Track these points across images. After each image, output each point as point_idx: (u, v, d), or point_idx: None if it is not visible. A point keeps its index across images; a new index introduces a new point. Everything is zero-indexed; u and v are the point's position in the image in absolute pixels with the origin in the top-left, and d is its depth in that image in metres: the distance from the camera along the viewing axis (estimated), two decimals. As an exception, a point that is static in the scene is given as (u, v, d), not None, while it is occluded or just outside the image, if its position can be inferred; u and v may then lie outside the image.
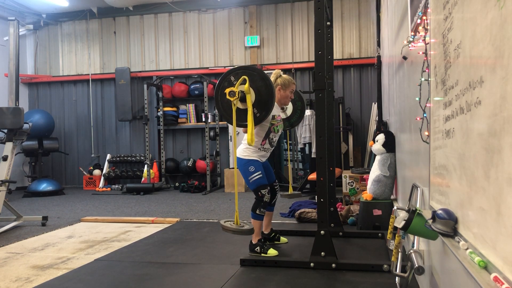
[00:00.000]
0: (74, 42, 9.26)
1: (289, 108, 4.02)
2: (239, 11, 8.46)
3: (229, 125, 8.29)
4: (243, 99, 2.96)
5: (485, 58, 1.04)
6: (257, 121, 3.09)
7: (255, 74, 3.02)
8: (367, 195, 4.35)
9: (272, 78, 3.59)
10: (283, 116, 3.74)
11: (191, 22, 8.70)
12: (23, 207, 6.32)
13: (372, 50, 7.79)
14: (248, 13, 8.41)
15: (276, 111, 3.44)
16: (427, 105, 1.85)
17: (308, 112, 6.88)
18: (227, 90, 2.90)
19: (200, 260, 3.42)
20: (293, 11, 8.24)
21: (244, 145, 3.48)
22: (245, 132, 3.36)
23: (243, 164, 3.42)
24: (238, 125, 3.11)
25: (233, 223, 2.95)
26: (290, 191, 4.26)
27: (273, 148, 3.60)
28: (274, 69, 8.31)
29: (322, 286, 2.74)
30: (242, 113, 3.01)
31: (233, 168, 7.91)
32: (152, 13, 8.80)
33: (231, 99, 2.89)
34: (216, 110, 8.21)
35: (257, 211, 3.41)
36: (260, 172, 3.40)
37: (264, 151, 3.51)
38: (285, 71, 8.23)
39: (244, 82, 2.96)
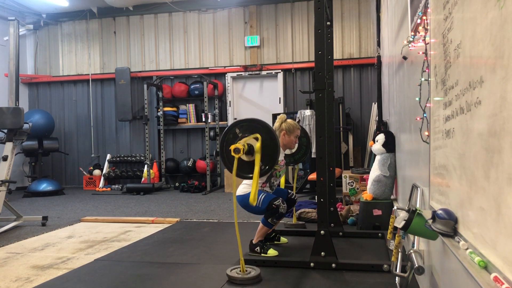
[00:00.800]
0: (74, 42, 9.26)
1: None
2: (239, 11, 8.46)
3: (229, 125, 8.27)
4: (248, 152, 2.93)
5: (485, 58, 1.04)
6: (262, 174, 3.07)
7: (260, 128, 2.98)
8: (367, 195, 4.35)
9: (276, 123, 3.64)
10: (287, 152, 3.74)
11: (191, 22, 8.70)
12: (23, 207, 6.32)
13: (372, 50, 7.79)
14: (248, 13, 8.41)
15: (280, 156, 3.42)
16: (427, 105, 1.85)
17: (308, 112, 6.88)
18: (232, 147, 2.84)
19: (200, 260, 3.42)
20: (293, 11, 8.24)
21: (243, 185, 3.49)
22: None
23: (244, 199, 3.36)
24: (242, 177, 3.08)
25: (240, 271, 2.91)
26: (294, 220, 4.34)
27: (273, 191, 3.61)
28: (274, 69, 8.36)
29: (322, 286, 2.74)
30: (246, 165, 2.98)
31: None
32: (152, 13, 8.80)
33: (236, 156, 2.83)
34: (216, 111, 8.24)
35: (269, 220, 3.37)
36: (262, 193, 3.38)
37: (263, 192, 3.52)
38: (285, 71, 8.24)
39: (249, 136, 2.93)
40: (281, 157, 3.55)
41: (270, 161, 2.99)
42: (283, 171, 3.61)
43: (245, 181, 3.49)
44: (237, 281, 2.83)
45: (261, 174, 3.04)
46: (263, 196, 3.37)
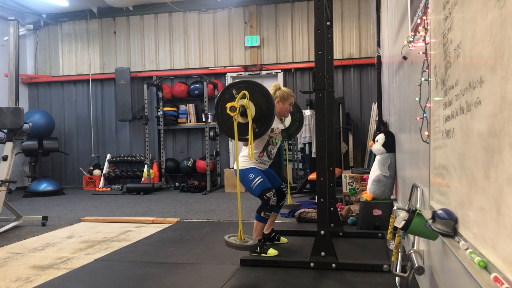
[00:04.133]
0: (74, 42, 9.26)
1: (288, 119, 4.04)
2: (239, 11, 8.46)
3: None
4: (243, 113, 2.96)
5: (485, 58, 1.04)
6: (256, 136, 3.09)
7: (257, 90, 3.01)
8: (367, 195, 4.35)
9: (271, 90, 3.63)
10: (281, 127, 3.76)
11: (191, 22, 8.70)
12: (23, 207, 6.32)
13: (372, 50, 7.79)
14: (248, 13, 8.41)
15: (275, 123, 3.45)
16: (427, 105, 1.85)
17: (308, 112, 6.88)
18: (228, 105, 2.88)
19: (200, 260, 3.42)
20: (293, 11, 8.24)
21: (241, 157, 3.49)
22: (245, 145, 3.38)
23: (242, 175, 3.40)
24: (239, 139, 3.09)
25: (237, 239, 2.92)
26: (289, 202, 4.33)
27: (271, 160, 3.62)
28: (274, 69, 8.36)
29: (322, 286, 2.74)
30: (241, 127, 3.00)
31: (233, 168, 7.92)
32: (152, 13, 8.80)
33: (232, 114, 2.88)
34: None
35: (262, 214, 3.40)
36: (260, 176, 3.39)
37: (262, 163, 3.54)
38: (285, 71, 8.24)
39: (244, 97, 2.96)
40: (276, 125, 3.55)
41: (265, 122, 3.01)
42: (279, 139, 3.61)
43: (244, 153, 3.48)
44: (233, 246, 2.85)
45: (256, 136, 3.06)
46: (259, 181, 3.37)
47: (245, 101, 2.94)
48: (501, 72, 0.93)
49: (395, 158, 4.28)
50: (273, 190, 3.39)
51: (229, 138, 8.38)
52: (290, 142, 7.51)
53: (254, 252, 3.41)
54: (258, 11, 8.38)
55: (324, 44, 3.15)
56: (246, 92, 2.95)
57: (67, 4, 8.41)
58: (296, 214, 4.76)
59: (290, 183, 6.91)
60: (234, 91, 3.02)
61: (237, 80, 3.19)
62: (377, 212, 4.20)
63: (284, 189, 3.75)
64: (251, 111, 2.97)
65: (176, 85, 8.49)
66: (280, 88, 3.62)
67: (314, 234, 3.10)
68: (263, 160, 3.53)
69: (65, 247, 4.00)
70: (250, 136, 2.95)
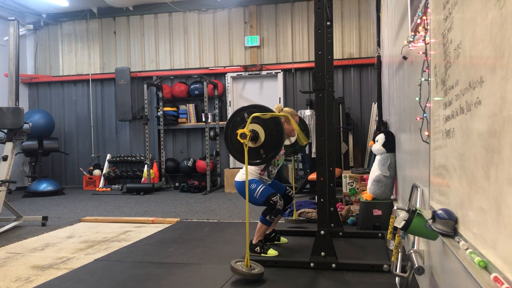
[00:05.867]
0: (74, 42, 9.26)
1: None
2: (239, 11, 8.46)
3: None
4: (253, 138, 2.96)
5: (485, 58, 1.04)
6: (263, 162, 3.09)
7: (268, 115, 3.01)
8: (367, 195, 4.35)
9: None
10: (287, 142, 3.76)
11: (191, 22, 8.70)
12: (23, 207, 6.32)
13: (372, 50, 7.79)
14: (248, 13, 8.41)
15: None
16: (427, 105, 1.85)
17: (308, 112, 6.88)
18: (239, 132, 2.86)
19: (200, 260, 3.42)
20: (293, 11, 8.24)
21: (242, 170, 3.49)
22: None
23: (242, 186, 3.35)
24: (243, 162, 3.08)
25: (244, 265, 2.91)
26: (295, 216, 4.37)
27: (271, 180, 3.63)
28: (274, 69, 8.36)
29: (322, 286, 2.74)
30: (249, 151, 2.99)
31: (233, 168, 7.92)
32: (152, 13, 8.80)
33: (242, 141, 2.86)
34: (216, 110, 8.24)
35: (267, 217, 3.39)
36: (262, 185, 3.39)
37: (262, 180, 3.53)
38: (285, 71, 8.24)
39: (253, 121, 2.96)
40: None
41: (273, 149, 3.02)
42: (281, 161, 3.62)
43: (243, 168, 3.48)
44: (240, 274, 2.83)
45: (262, 162, 3.07)
46: (262, 188, 3.37)
47: (257, 126, 2.94)
48: (501, 72, 0.93)
49: (395, 158, 4.28)
50: (279, 195, 3.39)
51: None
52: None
53: (254, 252, 3.41)
54: (258, 11, 8.38)
55: (324, 44, 3.15)
56: (259, 127, 2.96)
57: (67, 4, 8.41)
58: (296, 214, 4.75)
59: (290, 184, 6.90)
60: (246, 114, 3.02)
61: (248, 105, 3.18)
62: (377, 212, 4.20)
63: (290, 194, 3.74)
64: (261, 137, 2.98)
65: (176, 85, 8.49)
66: (282, 109, 3.62)
67: (314, 234, 3.10)
68: (263, 179, 3.54)
69: (65, 247, 4.00)
70: (246, 157, 2.93)
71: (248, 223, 2.96)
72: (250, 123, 2.93)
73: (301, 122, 4.10)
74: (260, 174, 3.49)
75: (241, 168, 3.53)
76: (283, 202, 3.41)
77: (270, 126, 3.00)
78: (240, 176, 3.50)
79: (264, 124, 2.99)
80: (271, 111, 3.07)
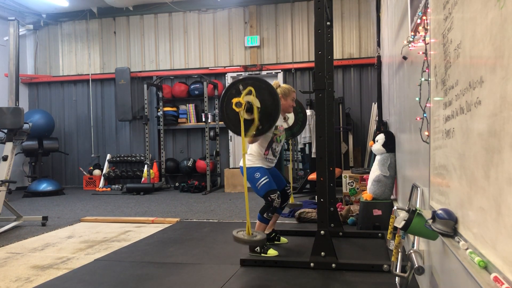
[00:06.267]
0: (74, 42, 9.26)
1: (291, 118, 4.06)
2: (239, 11, 8.46)
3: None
4: (248, 110, 2.95)
5: (485, 58, 1.04)
6: (260, 133, 3.09)
7: (263, 87, 3.01)
8: (367, 195, 4.35)
9: None
10: (285, 125, 3.76)
11: (191, 22, 8.70)
12: (23, 207, 6.32)
13: (372, 50, 7.79)
14: (248, 13, 8.41)
15: (279, 121, 3.47)
16: (427, 105, 1.85)
17: (308, 112, 6.88)
18: (234, 100, 2.88)
19: (200, 260, 3.42)
20: (293, 11, 8.24)
21: (248, 154, 3.49)
22: (250, 142, 3.35)
23: (248, 173, 3.39)
24: (239, 134, 3.09)
25: (245, 233, 2.92)
26: (292, 200, 4.34)
27: (276, 158, 3.62)
28: (274, 69, 8.36)
29: (322, 286, 2.74)
30: (245, 123, 2.99)
31: (233, 168, 7.92)
32: (152, 13, 8.80)
33: (237, 109, 2.87)
34: (216, 110, 8.23)
35: (265, 215, 3.40)
36: (266, 177, 3.40)
37: (268, 161, 3.54)
38: (285, 71, 8.24)
39: (250, 93, 2.95)
40: (280, 123, 3.56)
41: (270, 120, 3.02)
42: (283, 136, 3.62)
43: (250, 152, 3.48)
44: (241, 241, 2.84)
45: (260, 133, 3.06)
46: (264, 181, 3.37)
47: (251, 98, 2.94)
48: (501, 72, 0.93)
49: (395, 158, 4.28)
50: (278, 192, 3.41)
51: (229, 139, 8.39)
52: (290, 142, 7.50)
53: (254, 252, 3.41)
54: (258, 11, 8.38)
55: (324, 44, 3.15)
56: (252, 89, 2.94)
57: (67, 4, 8.41)
58: (296, 214, 4.76)
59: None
60: (240, 87, 3.01)
61: (243, 77, 3.17)
62: (377, 212, 4.20)
63: (288, 191, 3.75)
64: (257, 107, 2.96)
65: (176, 85, 8.49)
66: (280, 85, 3.62)
67: (314, 234, 3.10)
68: (269, 158, 3.53)
69: (65, 247, 4.00)
70: (242, 131, 2.93)
71: (247, 193, 2.97)
72: (245, 95, 2.92)
73: (299, 107, 4.11)
74: (265, 154, 3.48)
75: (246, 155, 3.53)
76: (280, 200, 3.43)
77: (265, 96, 2.99)
78: (247, 161, 3.47)
79: (259, 95, 2.98)
80: (267, 83, 3.06)
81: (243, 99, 2.89)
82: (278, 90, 3.57)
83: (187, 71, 8.61)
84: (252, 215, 4.88)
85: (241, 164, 3.48)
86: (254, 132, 3.01)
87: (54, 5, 8.51)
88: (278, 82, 3.62)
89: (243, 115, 2.92)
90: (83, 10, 8.98)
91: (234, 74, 8.43)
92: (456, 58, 1.33)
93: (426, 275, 2.26)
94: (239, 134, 3.00)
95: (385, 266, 2.93)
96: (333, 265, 2.99)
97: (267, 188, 3.37)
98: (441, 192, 1.59)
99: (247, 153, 3.50)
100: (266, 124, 3.04)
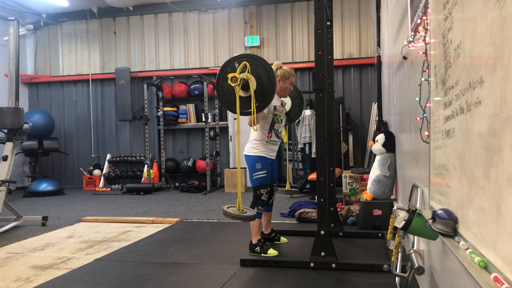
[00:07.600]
0: (74, 42, 9.26)
1: (288, 103, 4.06)
2: (239, 11, 8.46)
3: (229, 125, 8.29)
4: (244, 87, 2.94)
5: (485, 58, 1.04)
6: (257, 110, 3.05)
7: (259, 64, 3.00)
8: (367, 195, 4.35)
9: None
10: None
11: (191, 22, 8.70)
12: (23, 207, 6.32)
13: (372, 50, 7.78)
14: (248, 13, 8.41)
15: (276, 102, 3.49)
16: (427, 105, 1.85)
17: (308, 112, 6.88)
18: (229, 75, 2.87)
19: (200, 260, 3.42)
20: (293, 11, 8.24)
21: (252, 142, 3.50)
22: (249, 124, 3.33)
23: (251, 160, 3.46)
24: (241, 114, 3.06)
25: (236, 209, 2.93)
26: (287, 187, 4.33)
27: (280, 139, 3.62)
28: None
29: (322, 286, 2.74)
30: (242, 101, 2.98)
31: (233, 168, 7.91)
32: (152, 13, 8.80)
33: (233, 84, 2.86)
34: (216, 110, 8.24)
35: (255, 209, 3.42)
36: (265, 171, 3.44)
37: (272, 144, 3.53)
38: (285, 71, 8.23)
39: (245, 69, 2.93)
40: (278, 103, 3.57)
41: (265, 96, 3.01)
42: (283, 116, 3.64)
43: (253, 138, 3.49)
44: (231, 216, 2.86)
45: (257, 110, 3.03)
46: (262, 175, 3.42)
47: (246, 74, 2.92)
48: (501, 72, 0.93)
49: (395, 158, 4.28)
50: (268, 188, 3.47)
51: (229, 139, 8.38)
52: (290, 142, 7.51)
53: (254, 252, 3.41)
54: (258, 11, 8.38)
55: (324, 44, 3.15)
56: (247, 63, 2.92)
57: (67, 4, 8.41)
58: (296, 214, 4.76)
59: (290, 183, 6.91)
60: (236, 64, 2.99)
61: (238, 54, 3.16)
62: (377, 212, 4.20)
63: (274, 188, 3.70)
64: (252, 84, 2.95)
65: (176, 85, 8.49)
66: (281, 67, 3.61)
67: (314, 234, 3.10)
68: (272, 141, 3.53)
69: (65, 247, 4.00)
70: (253, 107, 2.92)
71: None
72: (241, 72, 2.91)
73: (296, 91, 4.10)
74: (268, 137, 3.49)
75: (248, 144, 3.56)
76: (268, 195, 3.50)
77: (261, 73, 2.98)
78: (249, 149, 3.50)
79: (254, 71, 2.96)
80: (263, 60, 3.05)
81: (238, 74, 2.88)
82: (278, 72, 3.57)
83: (187, 71, 8.61)
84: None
85: (245, 152, 3.50)
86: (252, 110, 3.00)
87: (54, 5, 8.51)
88: (279, 62, 3.61)
89: (239, 92, 2.91)
90: (83, 10, 8.98)
91: (234, 74, 8.42)
92: (456, 58, 1.33)
93: (426, 275, 2.26)
94: (234, 111, 2.98)
95: (385, 266, 2.93)
96: (333, 265, 2.99)
97: (261, 182, 3.43)
98: (441, 192, 1.59)
99: (252, 138, 3.51)
100: (262, 101, 3.00)
